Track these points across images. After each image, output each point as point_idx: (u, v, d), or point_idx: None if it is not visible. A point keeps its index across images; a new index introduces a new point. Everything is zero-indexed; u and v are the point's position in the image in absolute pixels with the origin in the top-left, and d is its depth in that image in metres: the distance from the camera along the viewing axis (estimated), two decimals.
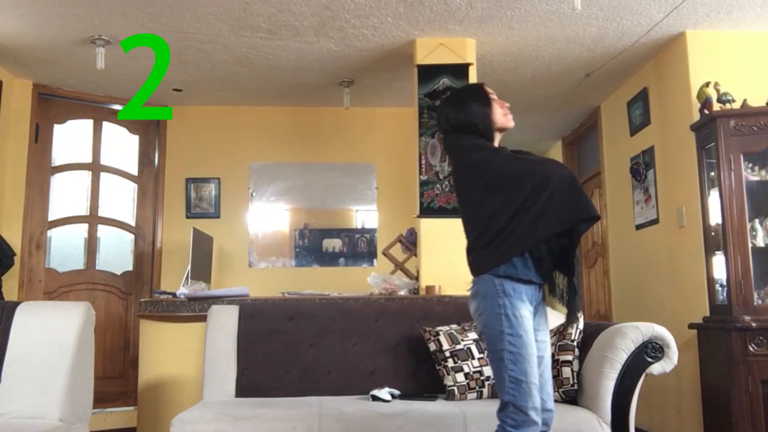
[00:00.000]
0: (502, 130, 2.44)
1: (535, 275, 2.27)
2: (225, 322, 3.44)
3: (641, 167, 4.95)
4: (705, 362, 3.97)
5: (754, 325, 3.65)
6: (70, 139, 5.46)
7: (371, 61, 4.77)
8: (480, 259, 2.30)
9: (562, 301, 2.31)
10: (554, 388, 2.99)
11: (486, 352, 2.32)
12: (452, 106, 2.46)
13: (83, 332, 2.81)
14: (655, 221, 4.75)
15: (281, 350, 3.38)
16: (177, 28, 4.19)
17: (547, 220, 2.20)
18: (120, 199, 5.65)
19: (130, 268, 5.54)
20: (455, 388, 3.14)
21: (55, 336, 2.76)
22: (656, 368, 2.88)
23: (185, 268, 4.53)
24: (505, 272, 2.24)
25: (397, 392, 3.15)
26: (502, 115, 2.42)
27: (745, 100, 3.93)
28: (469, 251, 2.36)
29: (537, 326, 2.33)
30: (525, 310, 2.24)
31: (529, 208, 2.21)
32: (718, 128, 3.88)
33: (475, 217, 2.32)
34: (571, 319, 2.36)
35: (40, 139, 5.19)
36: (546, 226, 2.20)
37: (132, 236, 5.61)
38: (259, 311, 3.50)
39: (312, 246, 5.74)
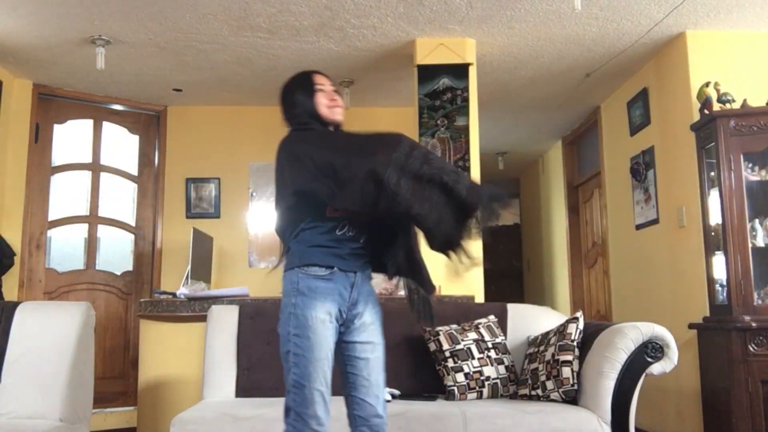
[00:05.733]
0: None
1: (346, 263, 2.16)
2: (225, 322, 3.44)
3: (641, 167, 4.95)
4: (705, 362, 3.97)
5: (754, 325, 3.65)
6: (70, 139, 5.46)
7: (371, 61, 4.77)
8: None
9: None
10: (554, 388, 3.00)
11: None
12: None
13: (83, 332, 2.81)
14: (655, 221, 4.75)
15: None
16: (177, 28, 4.19)
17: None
18: (120, 199, 5.65)
19: (130, 268, 5.54)
20: (455, 388, 3.14)
21: (55, 336, 2.76)
22: (656, 368, 2.87)
23: (185, 268, 4.52)
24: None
25: (397, 392, 3.14)
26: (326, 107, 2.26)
27: (745, 100, 3.93)
28: None
29: (360, 325, 2.22)
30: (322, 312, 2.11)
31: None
32: (718, 128, 3.88)
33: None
34: None
35: (40, 139, 5.19)
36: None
37: (132, 236, 5.61)
38: (259, 311, 3.49)
39: None
